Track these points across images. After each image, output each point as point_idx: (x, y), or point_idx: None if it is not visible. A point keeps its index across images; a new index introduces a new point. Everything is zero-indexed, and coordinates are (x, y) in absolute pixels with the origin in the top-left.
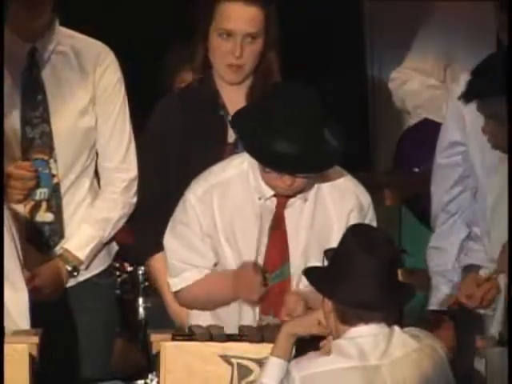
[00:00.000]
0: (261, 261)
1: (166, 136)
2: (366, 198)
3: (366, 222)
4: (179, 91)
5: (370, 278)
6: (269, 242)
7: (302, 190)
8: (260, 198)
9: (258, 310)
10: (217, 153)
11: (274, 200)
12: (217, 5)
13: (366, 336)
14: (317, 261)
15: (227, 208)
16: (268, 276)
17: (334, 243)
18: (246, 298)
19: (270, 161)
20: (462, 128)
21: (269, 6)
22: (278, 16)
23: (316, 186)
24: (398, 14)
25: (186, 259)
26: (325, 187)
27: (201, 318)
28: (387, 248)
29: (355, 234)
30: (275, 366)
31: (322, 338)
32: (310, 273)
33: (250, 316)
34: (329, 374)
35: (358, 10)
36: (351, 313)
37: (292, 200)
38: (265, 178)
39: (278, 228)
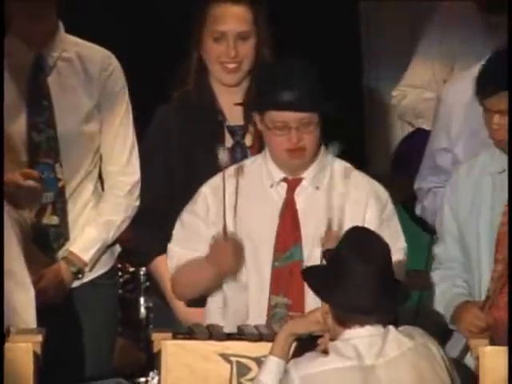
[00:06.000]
0: (272, 244)
1: (166, 142)
2: (380, 189)
3: (384, 215)
4: (177, 97)
5: (365, 283)
6: (279, 224)
7: (313, 173)
8: (272, 185)
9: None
10: (216, 157)
11: (285, 186)
12: (207, 8)
13: (361, 337)
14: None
15: (239, 195)
16: (279, 256)
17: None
18: (220, 269)
19: (278, 106)
20: (449, 134)
21: (257, 4)
22: (267, 13)
23: (328, 176)
24: (395, 15)
25: (188, 244)
26: (337, 178)
27: (211, 317)
28: (383, 252)
29: (352, 238)
30: (273, 365)
31: (319, 338)
32: (308, 274)
33: (258, 308)
34: (327, 373)
35: (355, 11)
36: (347, 316)
37: (303, 185)
38: (275, 143)
39: (289, 210)
